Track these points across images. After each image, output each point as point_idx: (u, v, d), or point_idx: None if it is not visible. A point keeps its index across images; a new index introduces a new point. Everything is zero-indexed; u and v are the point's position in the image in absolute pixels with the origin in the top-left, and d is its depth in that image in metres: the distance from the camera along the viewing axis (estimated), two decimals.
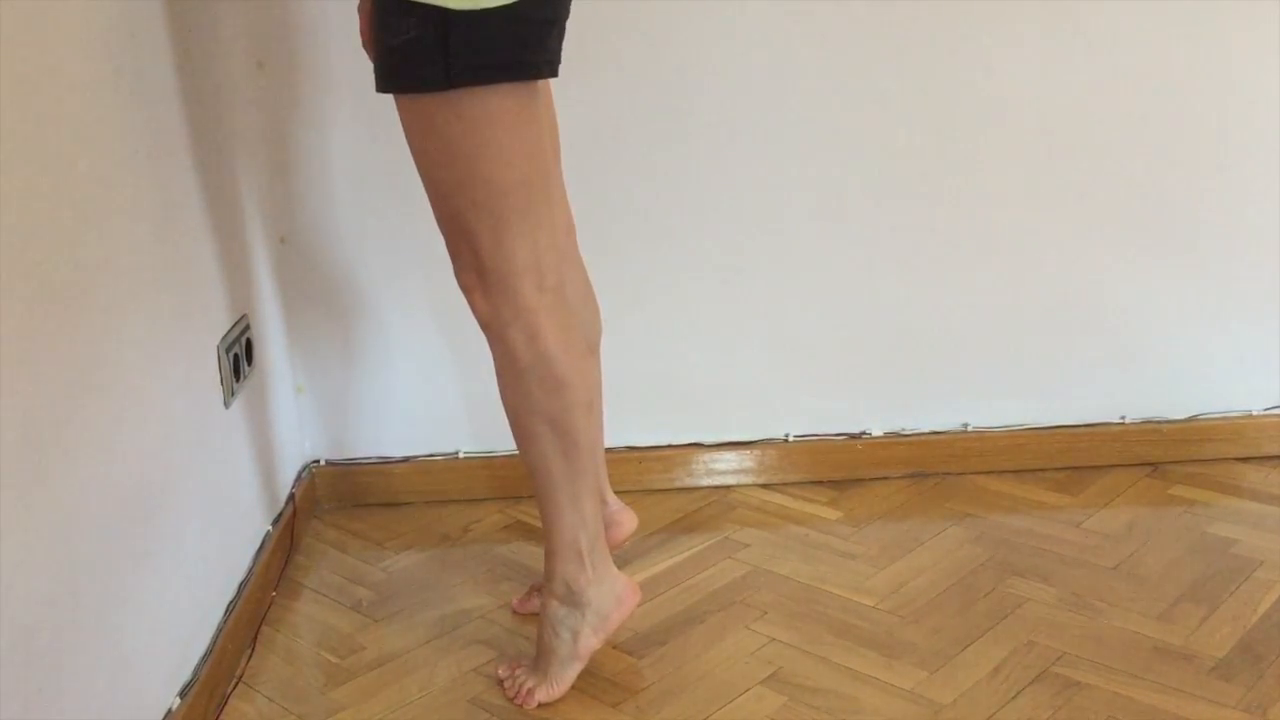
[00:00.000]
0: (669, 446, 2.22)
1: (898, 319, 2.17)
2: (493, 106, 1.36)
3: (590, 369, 1.52)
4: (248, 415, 1.84)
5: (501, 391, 1.50)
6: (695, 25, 1.99)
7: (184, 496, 1.55)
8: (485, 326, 1.47)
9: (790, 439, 2.23)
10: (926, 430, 2.23)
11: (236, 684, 1.65)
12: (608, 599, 1.57)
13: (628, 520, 1.82)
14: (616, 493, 2.01)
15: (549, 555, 1.56)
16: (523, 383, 1.46)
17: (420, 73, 1.34)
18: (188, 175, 1.64)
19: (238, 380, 1.77)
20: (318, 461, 2.19)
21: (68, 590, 1.22)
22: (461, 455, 2.20)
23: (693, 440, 2.22)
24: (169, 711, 1.44)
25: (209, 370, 1.68)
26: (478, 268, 1.45)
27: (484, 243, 1.43)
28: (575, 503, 1.52)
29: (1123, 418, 2.23)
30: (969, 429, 2.23)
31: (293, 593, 1.90)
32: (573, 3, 1.55)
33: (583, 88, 1.97)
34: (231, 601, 1.71)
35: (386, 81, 1.38)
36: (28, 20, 1.18)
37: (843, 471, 2.23)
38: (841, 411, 2.22)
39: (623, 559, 1.95)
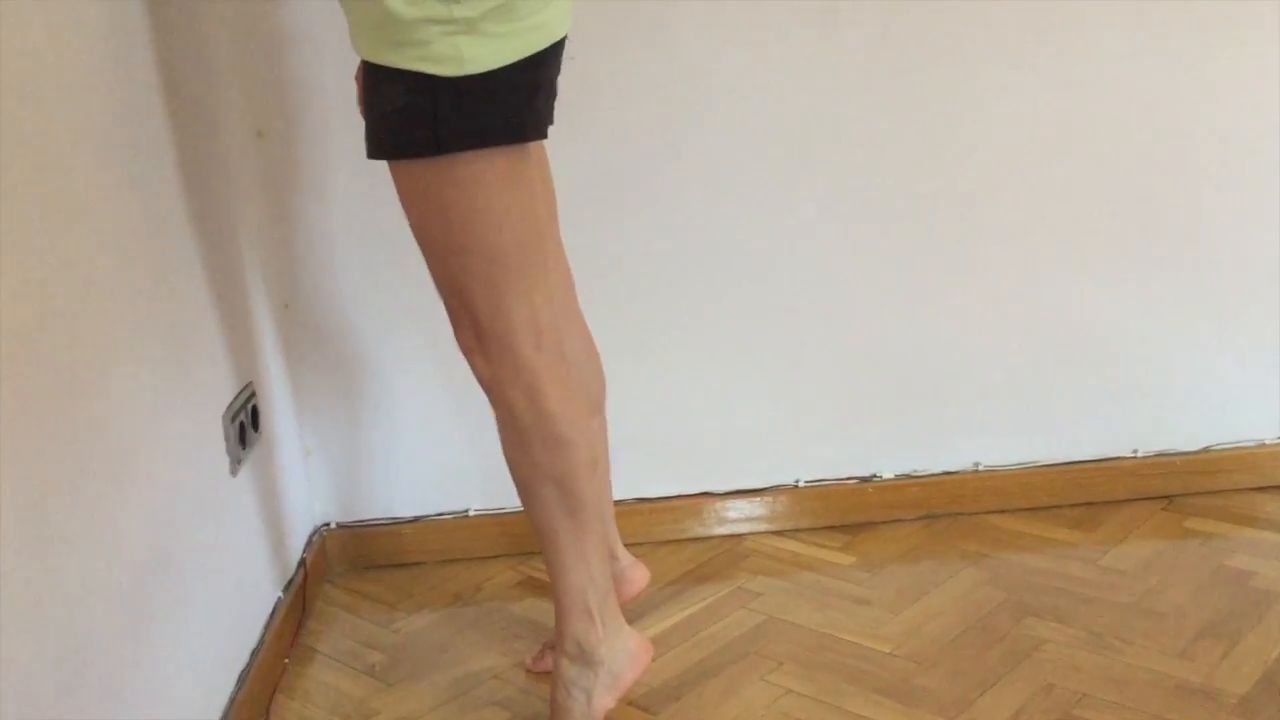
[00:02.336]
0: (679, 496, 2.21)
1: (904, 360, 2.17)
2: (483, 170, 1.37)
3: (593, 427, 1.53)
4: (255, 482, 1.84)
5: (505, 451, 1.50)
6: (691, 67, 2.00)
7: (191, 567, 1.55)
8: (486, 388, 1.48)
9: (801, 484, 2.22)
10: (938, 471, 2.22)
11: None
12: (620, 657, 1.56)
13: (639, 576, 1.81)
14: (627, 545, 2.00)
15: (559, 615, 1.55)
16: (525, 442, 1.46)
17: (410, 139, 1.35)
18: (190, 247, 1.65)
19: (244, 448, 1.77)
20: (328, 524, 2.19)
21: (74, 665, 1.21)
22: (471, 513, 2.20)
23: (702, 489, 2.21)
24: None
25: (214, 440, 1.68)
26: (475, 329, 1.45)
27: (480, 304, 1.43)
28: (583, 561, 1.51)
29: (1135, 451, 2.21)
30: (980, 468, 2.22)
31: (306, 659, 1.90)
32: (563, 59, 1.57)
33: (583, 137, 1.99)
34: (244, 670, 1.70)
35: (378, 148, 1.39)
36: (24, 93, 1.19)
37: (855, 515, 2.21)
38: (851, 455, 2.21)
39: (636, 612, 1.94)
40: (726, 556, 2.14)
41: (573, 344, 1.67)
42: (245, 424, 1.79)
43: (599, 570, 1.53)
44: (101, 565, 1.29)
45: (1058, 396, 2.18)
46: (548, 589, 2.01)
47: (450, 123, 1.34)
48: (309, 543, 2.12)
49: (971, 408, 2.19)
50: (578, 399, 1.49)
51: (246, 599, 1.77)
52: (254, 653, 1.75)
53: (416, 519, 2.19)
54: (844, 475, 2.22)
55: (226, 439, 1.72)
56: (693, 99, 2.02)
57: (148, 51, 1.55)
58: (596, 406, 1.71)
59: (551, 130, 1.48)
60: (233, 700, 1.63)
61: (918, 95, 2.03)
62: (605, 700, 1.56)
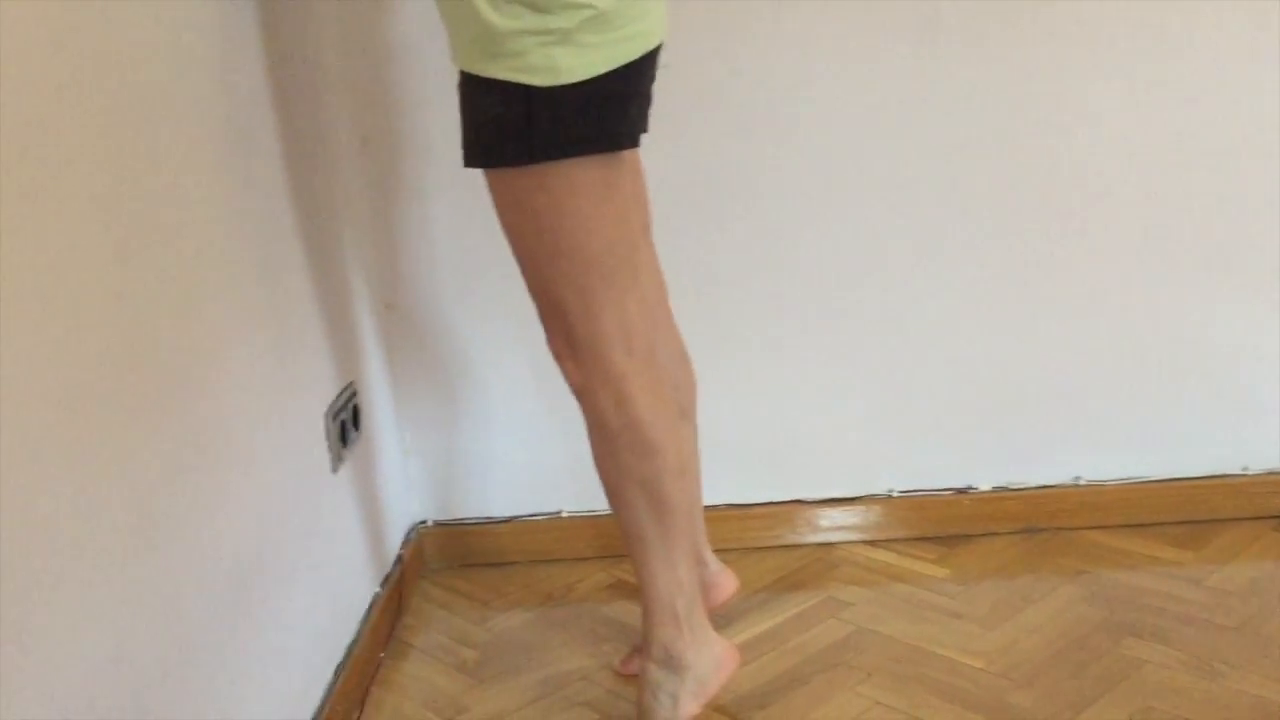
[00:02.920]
0: (771, 504, 2.21)
1: (1005, 369, 2.13)
2: (576, 178, 1.39)
3: (681, 433, 1.53)
4: (355, 480, 1.89)
5: (594, 456, 1.51)
6: (789, 73, 2.00)
7: (292, 562, 1.60)
8: (577, 393, 1.50)
9: (894, 494, 2.19)
10: (1036, 484, 2.18)
11: None
12: (706, 663, 1.56)
13: (727, 582, 1.81)
14: (717, 551, 2.01)
15: (646, 619, 1.57)
16: (614, 448, 1.48)
17: (505, 148, 1.38)
18: (296, 250, 1.70)
19: (345, 446, 1.82)
20: (425, 522, 2.24)
21: (177, 657, 1.26)
22: (564, 514, 2.22)
23: (795, 497, 2.20)
24: None
25: (317, 437, 1.73)
26: (567, 335, 1.47)
27: (572, 310, 1.45)
28: (670, 566, 1.52)
29: (1245, 468, 2.14)
30: (1081, 482, 2.17)
31: (401, 654, 1.94)
32: (658, 68, 1.59)
33: (679, 145, 2.00)
34: (340, 664, 1.75)
35: (474, 157, 1.42)
36: (143, 97, 1.24)
37: (950, 527, 2.18)
38: (947, 465, 2.18)
39: (725, 619, 1.94)
40: (818, 565, 2.13)
41: (664, 350, 1.68)
42: (347, 422, 1.84)
43: (686, 576, 1.54)
44: (204, 557, 1.34)
45: (1165, 410, 2.13)
46: (637, 592, 2.03)
47: (544, 132, 1.36)
48: (406, 540, 2.17)
49: (1073, 420, 2.14)
50: (667, 405, 1.49)
51: (345, 594, 1.82)
52: (350, 647, 1.80)
53: (510, 519, 2.23)
54: (939, 486, 2.19)
55: (328, 437, 1.77)
56: (789, 109, 2.01)
57: (259, 61, 1.61)
58: (687, 413, 1.72)
59: (647, 138, 1.49)
60: (329, 692, 1.67)
61: (1021, 108, 2.00)
62: (691, 706, 1.56)
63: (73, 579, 1.06)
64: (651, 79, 1.47)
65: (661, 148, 1.94)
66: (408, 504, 2.20)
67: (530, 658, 1.90)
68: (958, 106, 2.00)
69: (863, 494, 2.20)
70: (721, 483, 2.18)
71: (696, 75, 1.98)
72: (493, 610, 2.07)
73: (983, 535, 2.17)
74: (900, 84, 2.00)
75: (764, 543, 2.21)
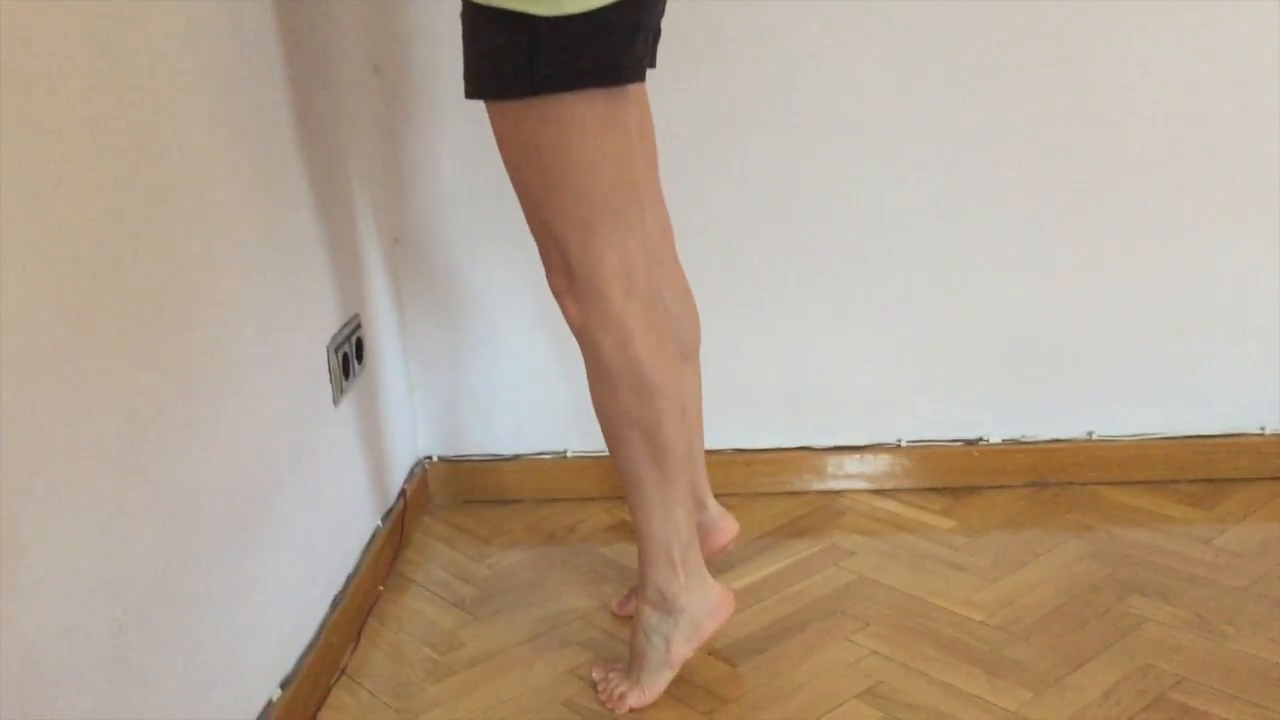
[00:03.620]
0: (777, 450, 2.19)
1: (1018, 318, 2.09)
2: (579, 113, 1.36)
3: (683, 375, 1.51)
4: (358, 413, 1.88)
5: (593, 396, 1.50)
6: (803, 17, 1.95)
7: (291, 491, 1.60)
8: (576, 331, 1.47)
9: (903, 444, 2.17)
10: (1048, 438, 2.15)
11: (339, 676, 1.69)
12: (701, 607, 1.55)
13: (728, 526, 1.80)
14: (722, 496, 2.00)
15: (642, 561, 1.55)
16: (613, 388, 1.46)
17: (506, 80, 1.35)
18: (301, 178, 1.68)
19: (347, 379, 1.81)
20: (430, 458, 2.23)
21: (171, 579, 1.26)
22: (570, 454, 2.21)
23: (802, 444, 2.18)
24: (269, 703, 1.49)
25: (318, 369, 1.72)
26: (568, 273, 1.45)
27: (573, 248, 1.42)
28: (667, 509, 1.51)
29: (1262, 428, 2.11)
30: (1094, 437, 2.14)
31: (400, 587, 1.94)
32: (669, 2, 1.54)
33: (688, 83, 1.96)
34: (338, 595, 1.75)
35: (475, 88, 1.39)
36: (133, 25, 1.22)
37: (958, 479, 2.16)
38: (958, 416, 2.15)
39: (725, 564, 1.93)
40: (822, 513, 2.12)
41: (669, 291, 1.65)
42: (350, 355, 1.83)
43: (683, 519, 1.52)
44: (199, 483, 1.33)
45: (1181, 365, 2.09)
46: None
47: (547, 63, 1.32)
48: (411, 474, 2.16)
49: (1088, 373, 2.11)
50: (668, 347, 1.47)
51: (345, 526, 1.82)
52: (350, 578, 1.80)
53: (515, 457, 2.22)
54: (949, 436, 2.16)
55: (330, 369, 1.75)
56: (803, 43, 1.96)
57: None
58: (690, 356, 1.69)
59: (658, 74, 1.45)
60: (325, 623, 1.68)
61: (1048, 46, 1.94)
62: (684, 649, 1.56)
63: (62, 493, 1.06)
64: (660, 12, 1.43)
65: (671, 84, 1.92)
66: (412, 439, 2.20)
67: (529, 596, 1.90)
68: (979, 43, 1.95)
69: (871, 442, 2.17)
70: (728, 427, 2.17)
71: (707, 8, 1.94)
72: (494, 548, 2.07)
73: (991, 488, 2.15)
74: (919, 20, 1.94)
75: (770, 489, 2.19)
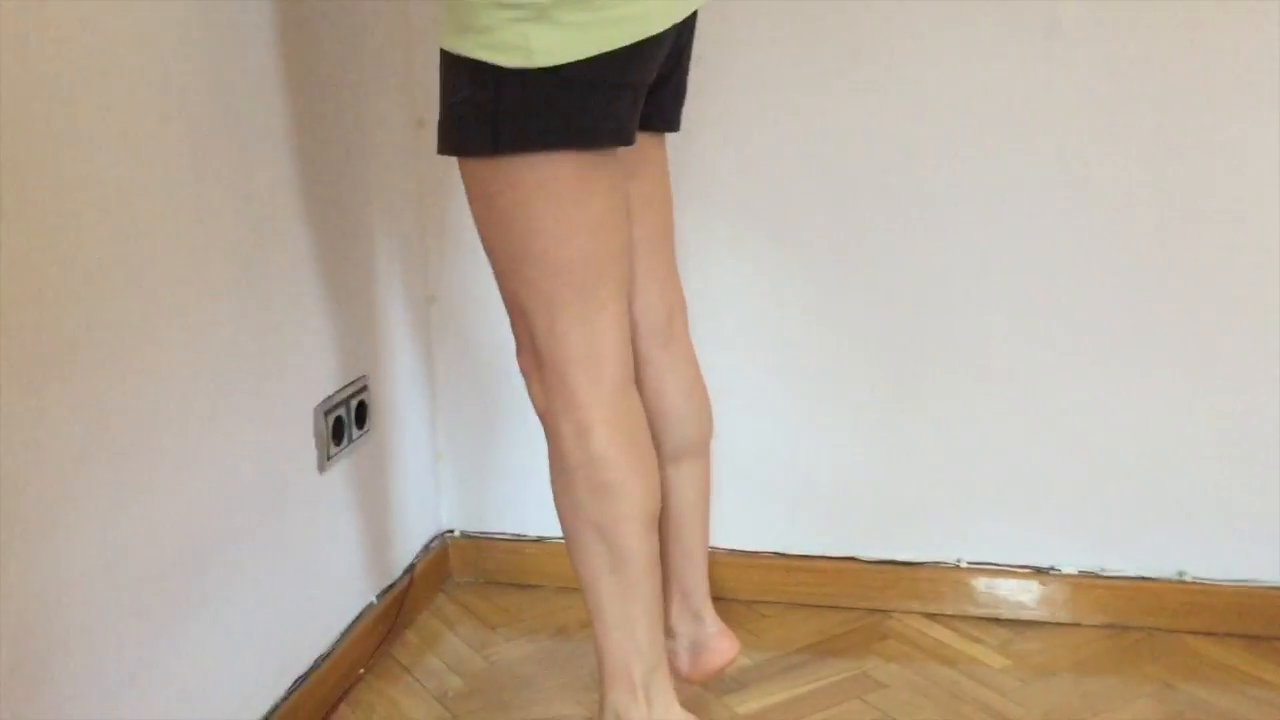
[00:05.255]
0: (821, 558, 1.98)
1: (1104, 435, 1.84)
2: (548, 176, 1.22)
3: (655, 478, 1.34)
4: (354, 481, 1.77)
5: (552, 489, 1.34)
6: (897, 68, 1.78)
7: (240, 562, 1.49)
8: (540, 416, 1.33)
9: (963, 565, 1.93)
10: (1132, 574, 1.88)
11: None
12: None
13: (725, 646, 1.60)
14: (756, 604, 1.84)
15: (600, 678, 1.38)
16: (569, 482, 1.31)
17: (470, 135, 1.23)
18: (309, 234, 1.60)
19: (338, 444, 1.70)
20: (451, 532, 2.11)
21: (107, 627, 1.20)
22: None
23: (849, 554, 1.97)
24: None
25: (301, 433, 1.62)
26: (534, 351, 1.31)
27: (538, 324, 1.29)
28: (627, 625, 1.34)
29: None
30: (1185, 578, 1.86)
31: (385, 672, 1.81)
32: (690, 62, 1.40)
33: (728, 141, 1.81)
34: (301, 677, 1.63)
35: (442, 142, 1.27)
36: (197, 67, 1.19)
37: (1023, 611, 1.91)
38: (1028, 539, 1.90)
39: (738, 681, 1.74)
40: (863, 633, 1.89)
41: (671, 378, 1.50)
42: (345, 419, 1.72)
43: (646, 638, 1.35)
44: (144, 534, 1.27)
45: None
46: None
47: (512, 120, 1.20)
48: (426, 549, 2.04)
49: (1183, 504, 1.83)
50: (637, 444, 1.31)
51: (321, 602, 1.70)
52: (322, 658, 1.68)
53: (540, 539, 2.07)
54: (1015, 561, 1.91)
55: (316, 433, 1.65)
56: (885, 108, 1.79)
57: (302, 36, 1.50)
58: (691, 452, 1.52)
59: (696, 135, 1.31)
60: (275, 706, 1.56)
61: (1167, 138, 1.72)
62: None
63: None
64: (676, 70, 1.29)
65: (711, 145, 1.78)
66: (434, 511, 2.08)
67: (517, 696, 1.74)
68: (1080, 123, 1.74)
69: (925, 559, 1.94)
70: (767, 527, 1.98)
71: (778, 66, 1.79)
72: (499, 636, 1.92)
73: (1060, 625, 1.89)
74: (1018, 90, 1.74)
75: (809, 600, 1.98)
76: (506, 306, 1.33)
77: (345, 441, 1.73)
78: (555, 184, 1.23)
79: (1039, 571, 1.90)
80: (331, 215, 1.68)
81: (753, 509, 1.98)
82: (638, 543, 1.31)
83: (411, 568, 1.97)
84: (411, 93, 1.90)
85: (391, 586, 1.90)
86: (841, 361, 1.90)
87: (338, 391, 1.71)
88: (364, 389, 1.79)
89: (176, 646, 1.36)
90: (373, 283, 1.83)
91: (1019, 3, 1.71)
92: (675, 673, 1.58)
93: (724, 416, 1.91)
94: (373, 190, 1.81)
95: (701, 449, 1.55)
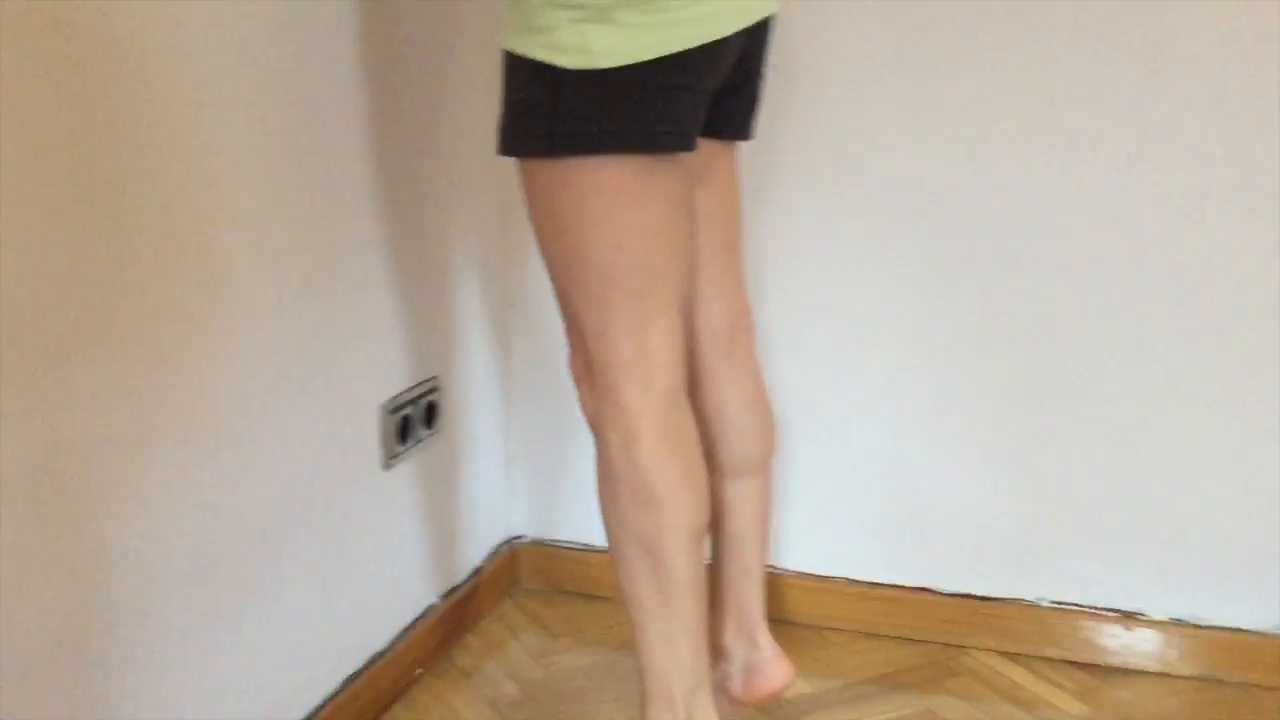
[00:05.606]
0: (895, 586, 1.91)
1: (1206, 476, 1.74)
2: (605, 179, 1.20)
3: (703, 493, 1.30)
4: (420, 480, 1.77)
5: (598, 498, 1.32)
6: (991, 108, 1.71)
7: (309, 547, 1.51)
8: (589, 423, 1.31)
9: (1044, 604, 1.84)
10: (1228, 624, 1.76)
11: None
12: None
13: (779, 670, 1.54)
14: (825, 630, 1.79)
15: (642, 693, 1.35)
16: (614, 492, 1.28)
17: (527, 136, 1.21)
18: (387, 233, 1.61)
19: (403, 443, 1.70)
20: (522, 537, 2.10)
21: (159, 606, 1.25)
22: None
23: (924, 584, 1.90)
24: None
25: (364, 429, 1.63)
26: (585, 356, 1.29)
27: (590, 329, 1.26)
28: (668, 642, 1.30)
29: None
30: None
31: (444, 674, 1.81)
32: (764, 70, 1.37)
33: (816, 142, 1.77)
34: (357, 672, 1.63)
35: (501, 143, 1.26)
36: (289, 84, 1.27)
37: (1106, 656, 1.81)
38: (1115, 580, 1.81)
39: (798, 710, 1.70)
40: (934, 668, 1.82)
41: (732, 392, 1.46)
42: (413, 419, 1.72)
43: (688, 655, 1.31)
44: (192, 519, 1.30)
45: None
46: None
47: (569, 121, 1.18)
48: (495, 553, 2.03)
49: None
50: (684, 457, 1.28)
51: (384, 598, 1.70)
52: (377, 656, 1.68)
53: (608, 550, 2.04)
54: (1101, 603, 1.82)
55: (382, 431, 1.66)
56: (991, 138, 1.73)
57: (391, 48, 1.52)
58: (744, 469, 1.48)
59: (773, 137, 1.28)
60: (326, 700, 1.56)
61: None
62: None
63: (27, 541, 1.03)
64: (717, 75, 1.25)
65: (797, 142, 1.74)
66: (504, 516, 2.07)
67: (569, 708, 1.72)
68: (1184, 155, 1.65)
69: (1005, 595, 1.86)
70: (840, 552, 1.92)
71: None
72: (560, 646, 1.90)
73: (1146, 674, 1.79)
74: (1138, 114, 1.67)
75: (880, 629, 1.92)
76: (560, 310, 1.31)
77: (412, 441, 1.73)
78: (611, 188, 1.20)
79: (1126, 615, 1.80)
80: (410, 218, 1.68)
81: (826, 532, 1.92)
82: (682, 557, 1.28)
83: (478, 571, 1.96)
84: (498, 94, 1.90)
85: (456, 588, 1.90)
86: (927, 386, 1.83)
87: (407, 390, 1.71)
88: (435, 390, 1.79)
89: (229, 631, 1.38)
90: (450, 286, 1.83)
91: (1137, 28, 1.64)
92: (728, 695, 1.54)
93: (800, 436, 1.88)
94: (455, 195, 1.81)
95: (762, 465, 1.50)
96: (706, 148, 1.38)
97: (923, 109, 1.74)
